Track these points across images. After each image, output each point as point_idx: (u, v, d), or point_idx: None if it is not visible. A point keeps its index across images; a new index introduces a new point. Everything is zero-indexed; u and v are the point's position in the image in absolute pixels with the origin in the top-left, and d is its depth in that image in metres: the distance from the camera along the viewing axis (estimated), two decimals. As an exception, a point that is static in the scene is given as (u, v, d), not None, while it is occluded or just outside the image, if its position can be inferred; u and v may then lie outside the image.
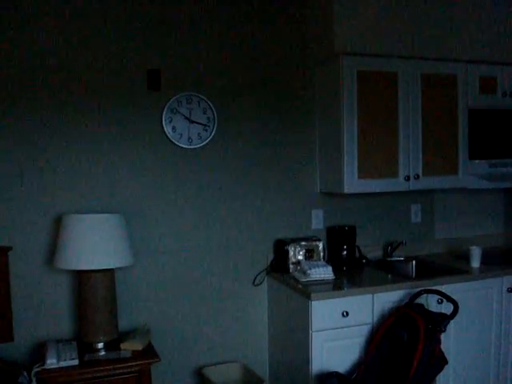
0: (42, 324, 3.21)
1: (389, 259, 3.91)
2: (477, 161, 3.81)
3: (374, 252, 3.96)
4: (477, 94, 3.77)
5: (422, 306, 3.10)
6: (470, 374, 3.49)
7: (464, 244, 4.08)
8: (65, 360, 2.82)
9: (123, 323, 3.31)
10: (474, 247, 3.64)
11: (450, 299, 3.07)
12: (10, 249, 3.09)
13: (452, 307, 3.02)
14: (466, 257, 3.70)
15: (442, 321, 2.93)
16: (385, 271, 3.61)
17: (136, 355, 2.97)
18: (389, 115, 3.53)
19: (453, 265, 3.70)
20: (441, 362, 2.96)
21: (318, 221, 3.82)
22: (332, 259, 3.69)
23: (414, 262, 3.92)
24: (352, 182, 3.46)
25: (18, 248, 3.13)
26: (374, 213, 3.99)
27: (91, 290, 2.99)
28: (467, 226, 4.29)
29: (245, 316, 3.68)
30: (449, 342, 3.29)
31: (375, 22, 3.45)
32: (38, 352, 3.10)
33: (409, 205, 4.08)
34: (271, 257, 3.70)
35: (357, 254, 3.77)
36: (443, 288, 3.25)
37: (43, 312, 3.22)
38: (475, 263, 3.60)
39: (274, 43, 3.64)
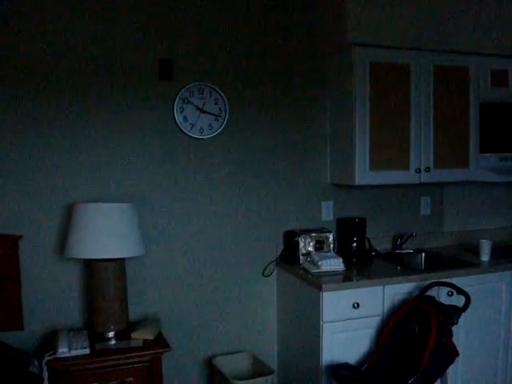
0: (52, 313, 3.21)
1: (398, 251, 3.91)
2: (488, 154, 3.80)
3: (383, 244, 3.95)
4: (488, 88, 3.76)
5: (433, 298, 3.10)
6: (479, 367, 3.49)
7: (473, 237, 4.08)
8: (76, 349, 2.81)
9: (133, 313, 3.31)
10: (483, 240, 3.63)
11: (461, 292, 3.06)
12: (20, 237, 3.09)
13: (464, 300, 3.02)
14: (475, 250, 3.70)
15: (454, 313, 2.92)
16: (395, 263, 3.60)
17: (147, 344, 2.97)
18: (401, 107, 3.52)
19: (462, 258, 3.69)
20: (452, 354, 2.96)
21: (327, 212, 3.82)
22: (342, 251, 3.67)
23: (423, 254, 3.92)
24: (363, 174, 3.46)
25: (29, 237, 3.13)
26: (384, 205, 3.98)
27: (102, 280, 2.99)
28: (477, 219, 4.29)
29: (254, 306, 3.69)
30: (458, 334, 3.28)
31: (388, 13, 3.43)
32: (49, 341, 3.10)
33: (419, 197, 4.07)
34: (281, 248, 3.70)
35: (367, 246, 3.77)
36: (453, 281, 3.23)
37: (54, 301, 3.22)
38: (485, 256, 3.60)
39: (286, 33, 3.62)
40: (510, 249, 3.93)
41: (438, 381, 3.05)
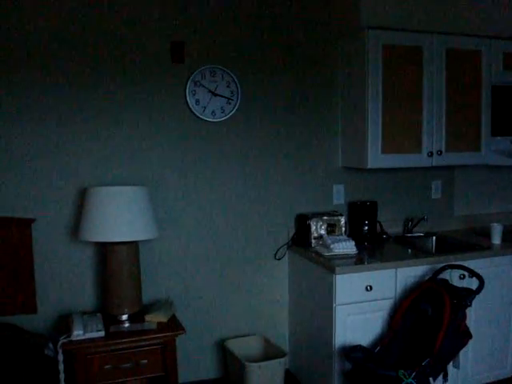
0: (65, 296, 3.23)
1: (409, 235, 3.91)
2: (499, 137, 3.79)
3: (393, 227, 3.96)
4: (500, 71, 3.74)
5: (446, 281, 3.11)
6: (489, 349, 3.51)
7: (484, 221, 4.09)
8: (91, 331, 2.83)
9: (147, 295, 3.33)
10: (495, 224, 3.63)
11: (475, 274, 3.07)
12: (33, 221, 3.09)
13: (476, 282, 3.03)
14: (486, 233, 3.71)
15: (468, 296, 2.93)
16: (406, 246, 3.61)
17: (161, 327, 2.98)
18: (413, 90, 3.51)
19: (473, 241, 3.70)
20: (465, 336, 2.98)
21: (339, 196, 3.82)
22: (353, 234, 3.68)
23: (434, 237, 3.93)
24: (376, 157, 3.45)
25: (42, 220, 3.14)
26: (395, 188, 3.98)
27: (115, 263, 2.99)
28: (487, 203, 4.29)
29: (266, 289, 3.70)
30: (469, 317, 3.28)
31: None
32: (62, 324, 3.11)
33: (430, 181, 4.07)
34: (292, 231, 3.70)
35: (378, 230, 3.77)
36: (465, 264, 3.24)
37: (67, 284, 3.23)
38: (496, 240, 3.60)
39: (299, 16, 3.59)
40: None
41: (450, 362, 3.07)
